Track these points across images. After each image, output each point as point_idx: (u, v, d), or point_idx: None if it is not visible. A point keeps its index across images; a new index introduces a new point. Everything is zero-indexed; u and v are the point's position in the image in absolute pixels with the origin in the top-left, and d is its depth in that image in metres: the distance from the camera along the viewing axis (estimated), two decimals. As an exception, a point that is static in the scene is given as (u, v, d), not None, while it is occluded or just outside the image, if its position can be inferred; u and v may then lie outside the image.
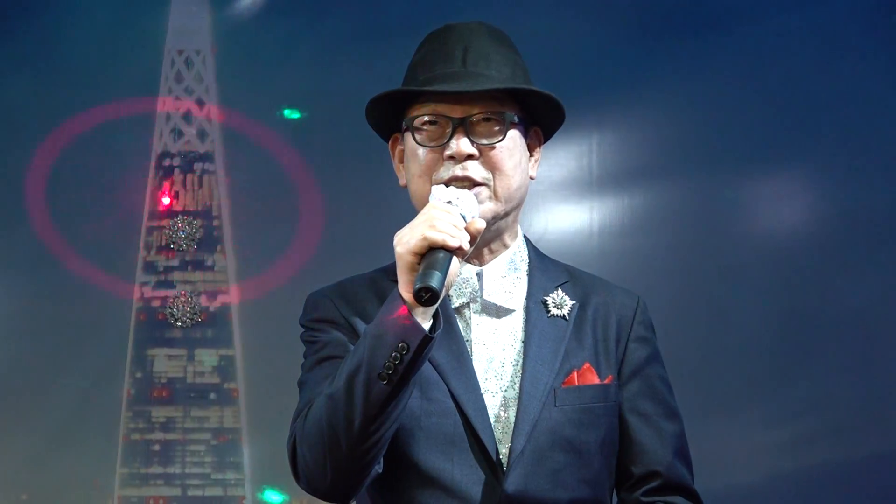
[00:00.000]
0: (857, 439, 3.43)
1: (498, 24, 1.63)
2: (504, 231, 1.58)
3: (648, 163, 3.50)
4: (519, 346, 1.59)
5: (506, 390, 1.57)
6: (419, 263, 1.36)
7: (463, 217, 1.41)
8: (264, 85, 3.42)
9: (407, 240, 1.37)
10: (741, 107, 3.48)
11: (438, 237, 1.36)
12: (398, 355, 1.37)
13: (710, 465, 2.83)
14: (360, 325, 1.52)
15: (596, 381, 1.58)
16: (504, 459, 1.51)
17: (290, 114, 3.40)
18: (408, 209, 3.42)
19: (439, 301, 1.36)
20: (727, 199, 3.45)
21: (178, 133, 3.38)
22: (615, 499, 1.65)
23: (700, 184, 3.43)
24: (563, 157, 3.22)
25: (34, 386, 3.46)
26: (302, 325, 1.59)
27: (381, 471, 1.45)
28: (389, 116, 1.58)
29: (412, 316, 1.37)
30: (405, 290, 1.36)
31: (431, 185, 1.51)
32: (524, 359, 1.58)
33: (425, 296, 1.31)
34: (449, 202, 1.43)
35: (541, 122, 1.61)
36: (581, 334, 1.61)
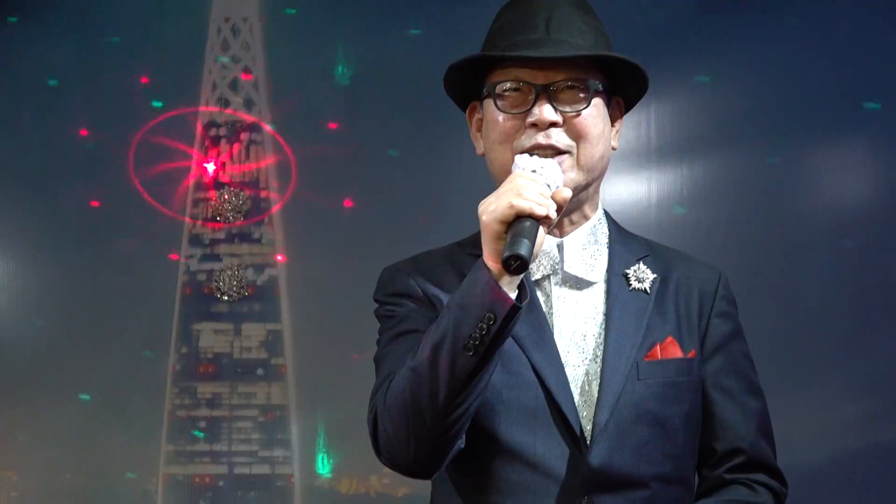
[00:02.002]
0: None
1: None
2: (585, 202, 1.55)
3: (707, 133, 3.49)
4: (601, 319, 1.56)
5: (588, 363, 1.53)
6: (506, 232, 1.33)
7: (548, 185, 1.39)
8: (313, 53, 3.44)
9: (493, 208, 1.35)
10: (802, 75, 3.47)
11: (526, 205, 1.34)
12: (485, 326, 1.33)
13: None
14: (438, 299, 1.49)
15: (679, 355, 1.53)
16: (587, 433, 1.47)
17: (341, 79, 3.40)
18: (460, 179, 3.33)
19: (527, 269, 1.33)
20: (789, 170, 3.44)
21: (224, 102, 3.40)
22: (697, 477, 1.59)
23: (761, 154, 3.43)
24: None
25: (78, 362, 3.54)
26: (377, 301, 1.54)
27: (462, 446, 1.41)
28: (468, 84, 1.56)
29: (499, 285, 1.33)
30: (491, 259, 1.33)
31: (512, 153, 1.47)
32: (606, 332, 1.54)
33: (514, 264, 1.28)
34: (534, 171, 1.40)
35: (623, 92, 1.57)
36: (663, 308, 1.57)
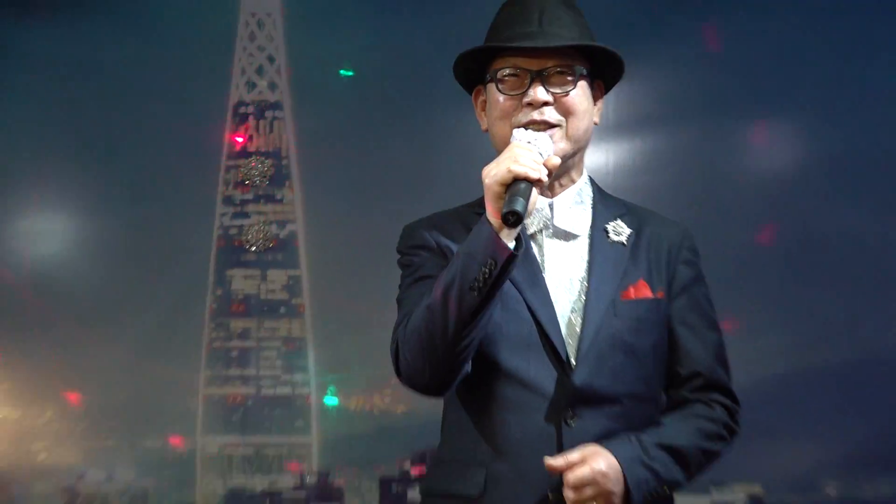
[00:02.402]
0: (835, 347, 4.00)
1: None
2: (572, 168, 1.66)
3: (657, 111, 3.93)
4: (584, 266, 1.66)
5: (573, 303, 1.65)
6: (505, 193, 1.46)
7: (540, 154, 1.52)
8: (326, 44, 3.90)
9: (494, 173, 1.46)
10: (740, 63, 3.96)
11: (521, 170, 1.46)
12: (487, 270, 1.47)
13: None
14: (449, 249, 1.61)
15: (649, 295, 1.66)
16: (572, 359, 1.60)
17: (345, 72, 3.89)
18: (452, 151, 3.72)
19: (522, 224, 1.47)
20: (727, 142, 3.92)
21: (251, 85, 3.93)
22: (664, 397, 1.76)
23: (703, 129, 3.91)
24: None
25: (132, 304, 4.10)
26: (398, 252, 1.67)
27: (469, 370, 1.56)
28: (473, 71, 1.66)
29: (499, 237, 1.47)
30: (493, 215, 1.45)
31: (511, 128, 1.58)
32: (589, 276, 1.65)
33: (512, 218, 1.41)
34: (528, 142, 1.53)
35: (603, 76, 1.70)
36: (637, 257, 1.67)
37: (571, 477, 1.53)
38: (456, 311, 1.50)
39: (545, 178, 1.51)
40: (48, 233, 4.54)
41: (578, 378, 1.58)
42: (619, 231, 1.68)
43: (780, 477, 4.39)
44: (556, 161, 1.54)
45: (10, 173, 4.67)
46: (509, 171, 1.47)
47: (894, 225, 4.28)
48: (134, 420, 4.44)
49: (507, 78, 1.61)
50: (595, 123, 1.68)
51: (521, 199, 1.45)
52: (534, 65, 1.60)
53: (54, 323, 4.39)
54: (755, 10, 4.28)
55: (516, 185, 1.47)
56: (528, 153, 1.49)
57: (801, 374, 4.23)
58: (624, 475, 1.56)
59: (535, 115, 1.58)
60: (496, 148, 1.60)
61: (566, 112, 1.60)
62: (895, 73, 4.39)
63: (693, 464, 1.62)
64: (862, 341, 4.25)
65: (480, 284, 1.47)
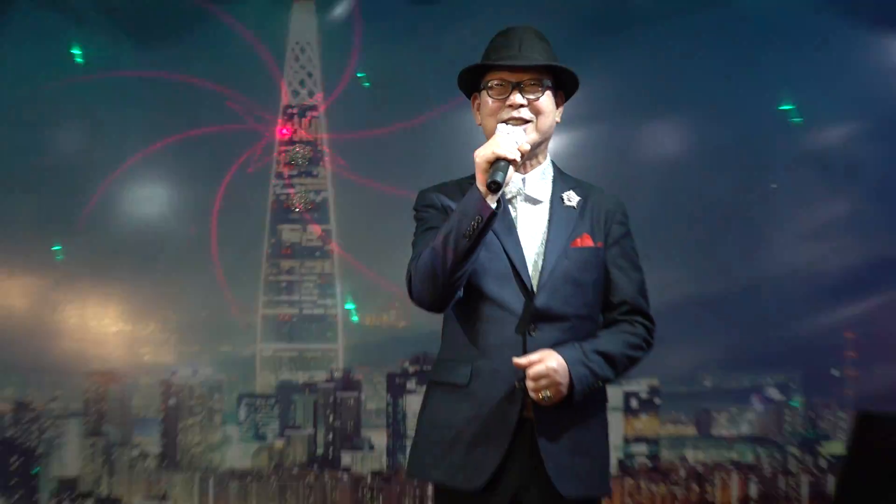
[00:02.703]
0: (713, 281, 4.99)
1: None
2: (539, 153, 1.90)
3: (588, 112, 4.69)
4: (545, 222, 1.93)
5: (537, 248, 1.92)
6: (489, 168, 1.72)
7: (516, 142, 1.75)
8: (349, 62, 4.87)
9: (483, 153, 1.73)
10: (639, 73, 4.88)
11: (502, 152, 1.72)
12: (475, 223, 1.74)
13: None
14: (450, 208, 1.88)
15: (591, 244, 1.95)
16: (534, 288, 1.87)
17: (364, 81, 4.84)
18: (445, 139, 4.91)
19: (501, 191, 1.70)
20: (633, 135, 4.94)
21: (296, 93, 4.88)
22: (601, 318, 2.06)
23: (612, 126, 4.88)
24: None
25: (211, 252, 5.08)
26: (414, 209, 2.03)
27: (461, 295, 1.85)
28: (470, 82, 1.96)
29: (485, 200, 1.72)
30: (480, 184, 1.72)
31: (496, 122, 1.85)
32: (548, 230, 1.93)
33: (494, 187, 1.66)
34: (508, 133, 1.77)
35: (564, 88, 1.96)
36: (583, 218, 1.95)
37: (531, 371, 1.80)
38: (452, 252, 1.75)
39: (518, 159, 1.75)
40: (164, 199, 5.20)
41: (539, 302, 1.86)
42: (571, 199, 1.93)
43: (672, 373, 5.10)
44: (527, 147, 1.78)
45: (139, 173, 5.25)
46: (493, 153, 1.73)
47: (754, 194, 5.17)
48: (213, 331, 5.24)
49: (495, 87, 1.88)
50: (557, 122, 1.93)
51: (501, 173, 1.69)
52: (514, 78, 1.87)
53: (158, 260, 5.14)
54: (653, 39, 4.98)
55: (498, 163, 1.72)
56: (507, 141, 1.74)
57: (690, 299, 4.94)
58: (569, 372, 1.83)
59: (514, 114, 1.85)
60: (486, 136, 1.85)
61: (536, 112, 1.86)
62: (754, 82, 5.09)
63: (620, 366, 1.94)
64: (730, 277, 5.10)
65: (470, 233, 1.72)
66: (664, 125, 5.18)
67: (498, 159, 1.81)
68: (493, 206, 1.80)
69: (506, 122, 1.93)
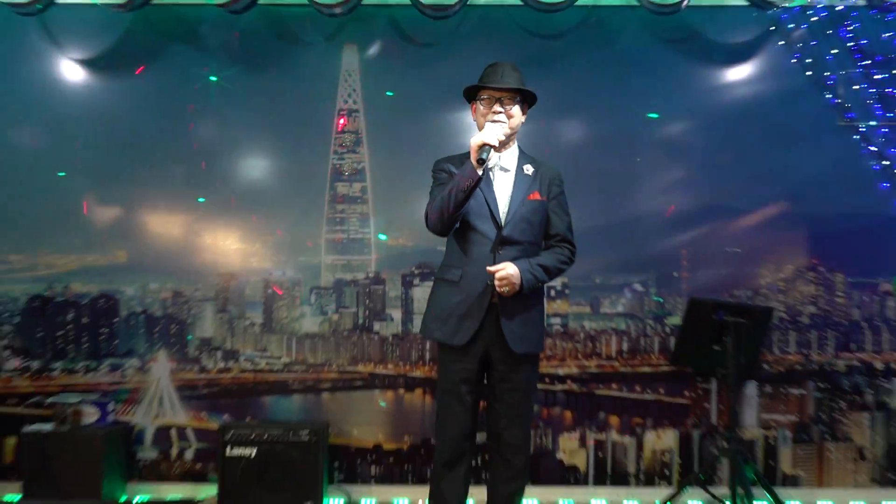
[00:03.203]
0: (603, 213, 5.94)
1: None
2: (510, 142, 2.81)
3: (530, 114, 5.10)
4: (512, 184, 2.89)
5: (506, 200, 2.85)
6: (479, 150, 2.58)
7: (497, 134, 2.64)
8: (379, 82, 5.97)
9: (475, 140, 2.62)
10: (558, 90, 5.77)
11: (487, 140, 2.62)
12: (469, 183, 2.65)
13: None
14: (454, 172, 2.76)
15: (539, 198, 2.88)
16: (502, 224, 2.84)
17: (389, 93, 5.94)
18: (446, 132, 6.11)
19: (486, 165, 2.60)
20: (557, 130, 5.93)
21: (345, 100, 5.94)
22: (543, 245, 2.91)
23: (547, 123, 5.73)
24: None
25: (292, 200, 6.08)
26: (432, 171, 2.99)
27: (458, 225, 2.82)
28: (470, 95, 2.88)
29: (475, 169, 2.57)
30: (472, 159, 2.58)
31: (485, 121, 2.76)
32: (513, 189, 2.89)
33: (481, 162, 2.52)
34: (492, 128, 2.64)
35: (528, 102, 2.89)
36: (535, 181, 2.82)
37: (498, 275, 2.65)
38: (454, 200, 2.62)
39: (497, 145, 2.68)
40: (270, 169, 6.26)
41: (504, 232, 2.69)
42: (528, 170, 2.86)
43: (577, 274, 6.13)
44: (503, 138, 2.71)
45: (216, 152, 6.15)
46: (482, 140, 2.61)
47: (628, 165, 6.14)
48: (295, 249, 6.24)
49: (485, 99, 2.81)
50: (522, 122, 2.89)
51: (486, 153, 2.57)
52: (497, 94, 2.75)
53: (263, 205, 6.17)
54: (566, 68, 5.95)
55: (484, 147, 2.58)
56: (491, 133, 2.64)
57: (591, 229, 5.87)
58: (521, 276, 2.65)
59: (496, 117, 2.80)
60: (478, 129, 2.74)
61: (509, 116, 2.82)
62: (629, 97, 6.07)
63: (553, 273, 2.94)
64: (613, 216, 6.08)
65: (465, 189, 2.60)
66: (576, 123, 6.30)
67: (484, 144, 2.64)
68: (480, 173, 2.56)
69: (491, 121, 2.75)
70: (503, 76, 3.17)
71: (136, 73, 6.01)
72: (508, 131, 3.10)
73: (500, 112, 3.10)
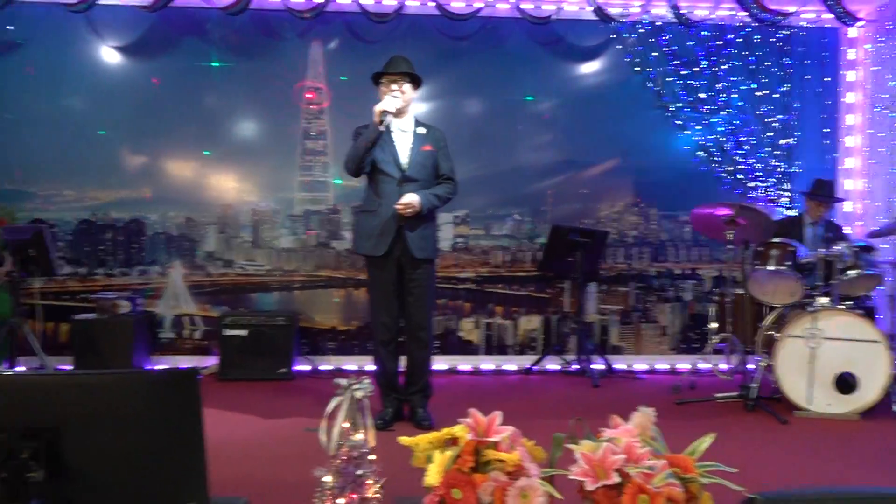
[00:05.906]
0: (490, 164, 7.62)
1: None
2: (405, 111, 4.56)
3: (433, 93, 7.48)
4: (410, 141, 4.59)
5: (407, 151, 4.53)
6: (381, 114, 4.35)
7: (393, 105, 4.35)
8: (336, 68, 7.49)
9: (377, 107, 4.43)
10: (458, 77, 7.46)
11: (386, 107, 4.41)
12: (373, 137, 4.48)
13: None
14: (365, 130, 4.52)
15: (430, 149, 4.64)
16: (405, 168, 4.56)
17: (343, 77, 7.45)
18: (367, 102, 5.87)
19: (384, 125, 4.38)
20: (456, 104, 7.53)
21: (312, 81, 7.37)
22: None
23: (449, 99, 7.42)
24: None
25: (277, 153, 7.57)
26: (353, 132, 4.72)
27: (368, 170, 4.56)
28: (376, 79, 4.61)
29: (378, 128, 4.37)
30: (375, 122, 4.41)
31: (385, 96, 4.46)
32: (412, 144, 4.57)
33: (381, 124, 4.32)
34: (390, 100, 4.36)
35: (416, 83, 4.54)
36: (427, 138, 4.56)
37: (402, 200, 4.27)
38: (363, 150, 4.43)
39: (394, 111, 4.40)
40: (245, 126, 7.40)
41: (407, 174, 4.43)
42: (421, 131, 4.60)
43: (475, 206, 7.62)
44: (400, 105, 4.45)
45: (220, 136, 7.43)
46: (382, 109, 4.34)
47: (511, 131, 7.58)
48: (276, 185, 7.60)
49: (385, 81, 4.57)
50: (414, 97, 4.59)
51: (386, 118, 4.32)
52: (394, 77, 4.53)
53: (254, 153, 7.53)
54: (466, 62, 7.45)
55: (385, 113, 4.32)
56: (389, 103, 4.40)
57: (481, 175, 7.50)
58: (421, 199, 4.33)
59: (393, 94, 4.50)
60: (380, 100, 4.45)
61: (403, 92, 4.52)
62: (514, 84, 7.58)
63: (442, 200, 4.59)
64: (500, 165, 7.59)
65: (370, 142, 4.42)
66: (475, 101, 7.79)
67: (384, 111, 4.16)
68: (382, 129, 4.07)
69: (390, 94, 4.26)
70: (397, 65, 4.49)
71: (153, 81, 7.36)
72: (401, 104, 4.37)
73: (396, 90, 4.45)
